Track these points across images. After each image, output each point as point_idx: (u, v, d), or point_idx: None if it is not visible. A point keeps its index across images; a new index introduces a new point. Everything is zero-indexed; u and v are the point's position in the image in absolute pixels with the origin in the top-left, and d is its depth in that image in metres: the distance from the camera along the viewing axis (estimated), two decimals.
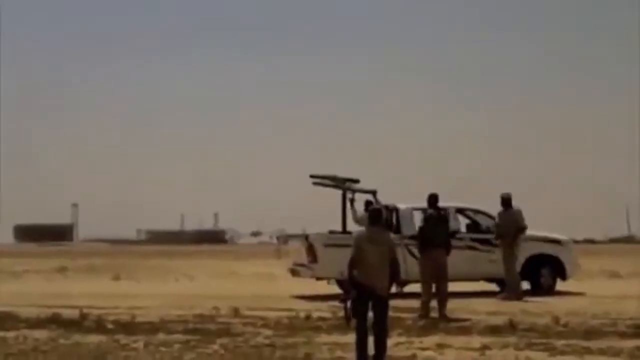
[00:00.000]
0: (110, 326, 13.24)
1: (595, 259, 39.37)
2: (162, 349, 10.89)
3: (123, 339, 11.76)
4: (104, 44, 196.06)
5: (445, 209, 16.31)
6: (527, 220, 18.25)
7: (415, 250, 16.12)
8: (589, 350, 10.37)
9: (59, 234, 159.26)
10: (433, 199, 15.59)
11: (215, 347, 10.98)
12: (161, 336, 12.06)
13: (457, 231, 17.77)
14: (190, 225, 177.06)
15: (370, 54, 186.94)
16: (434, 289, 14.93)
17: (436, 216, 15.38)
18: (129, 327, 13.08)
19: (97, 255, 57.92)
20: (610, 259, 42.65)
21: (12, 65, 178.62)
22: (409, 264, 17.03)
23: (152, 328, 12.93)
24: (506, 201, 18.20)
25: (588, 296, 18.71)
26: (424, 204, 15.95)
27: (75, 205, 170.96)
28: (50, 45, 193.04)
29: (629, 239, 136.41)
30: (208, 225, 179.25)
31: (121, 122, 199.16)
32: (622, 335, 11.82)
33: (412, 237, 16.99)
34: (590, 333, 11.93)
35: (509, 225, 18.01)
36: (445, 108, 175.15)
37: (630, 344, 10.85)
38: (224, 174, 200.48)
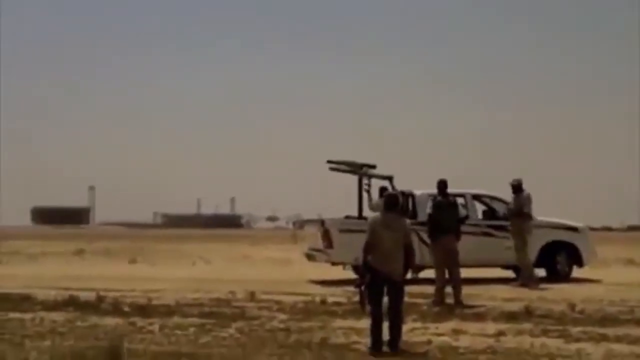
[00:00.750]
0: (126, 309, 13.30)
1: (612, 246, 39.21)
2: (178, 331, 10.93)
3: (139, 321, 11.81)
4: (115, 31, 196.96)
5: (454, 195, 16.16)
6: (544, 209, 18.21)
7: (426, 237, 16.07)
8: (605, 337, 10.33)
9: (76, 217, 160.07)
10: (442, 185, 15.42)
11: (231, 330, 11.01)
12: (177, 319, 12.10)
13: (467, 217, 17.61)
14: (207, 210, 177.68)
15: (375, 51, 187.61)
16: (447, 275, 14.89)
17: (445, 203, 15.26)
18: (145, 309, 13.15)
19: (114, 239, 58.19)
20: (626, 247, 42.46)
21: (22, 46, 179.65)
22: (424, 250, 16.98)
23: (168, 311, 12.98)
24: (516, 187, 18.11)
25: (604, 283, 18.65)
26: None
27: (92, 188, 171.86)
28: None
29: None
30: (224, 209, 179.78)
31: (140, 107, 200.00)
32: (639, 322, 11.77)
33: (422, 224, 16.89)
34: (607, 320, 11.89)
35: (517, 210, 17.95)
36: (447, 105, 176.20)
37: None
38: (241, 159, 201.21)
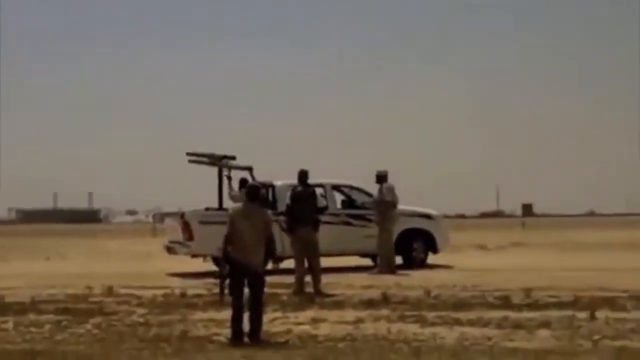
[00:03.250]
0: None
1: (465, 233, 40.51)
2: (33, 329, 10.64)
3: None
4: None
5: (313, 186, 16.25)
6: (404, 198, 18.69)
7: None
8: (458, 322, 10.68)
9: None
10: (303, 175, 15.38)
11: (88, 326, 10.80)
12: (32, 317, 11.77)
13: (326, 207, 17.79)
14: (64, 205, 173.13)
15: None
16: (307, 265, 15.00)
17: (303, 193, 15.25)
18: None
19: None
20: (479, 233, 43.96)
21: None
22: (285, 241, 17.04)
23: (22, 308, 12.60)
24: (380, 178, 18.49)
25: (458, 269, 19.26)
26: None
27: None
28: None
29: (497, 214, 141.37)
30: (82, 204, 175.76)
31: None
32: (490, 306, 12.21)
33: (282, 214, 16.88)
34: (460, 305, 12.28)
35: (382, 200, 18.34)
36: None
37: (497, 314, 11.21)
38: (98, 152, 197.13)
